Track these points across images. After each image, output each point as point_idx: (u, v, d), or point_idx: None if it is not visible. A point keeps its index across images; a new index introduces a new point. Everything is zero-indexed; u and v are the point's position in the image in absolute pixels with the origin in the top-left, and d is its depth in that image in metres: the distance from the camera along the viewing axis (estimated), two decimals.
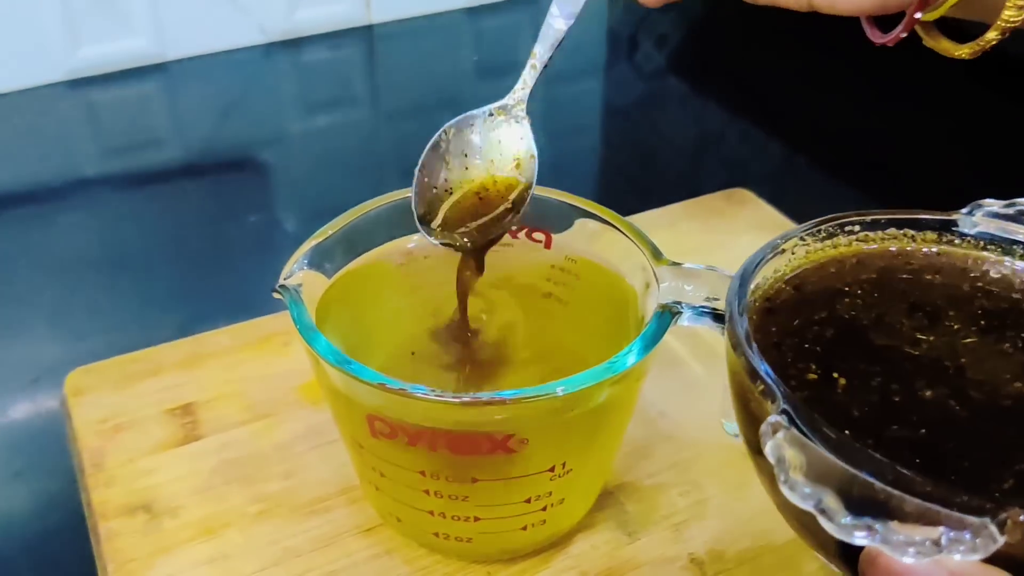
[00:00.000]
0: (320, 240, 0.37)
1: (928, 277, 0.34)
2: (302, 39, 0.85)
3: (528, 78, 0.38)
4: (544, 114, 0.81)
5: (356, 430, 0.35)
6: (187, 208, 0.66)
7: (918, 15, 0.39)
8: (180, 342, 0.48)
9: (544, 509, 0.35)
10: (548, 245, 0.41)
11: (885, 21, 0.43)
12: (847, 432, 0.27)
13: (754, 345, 0.28)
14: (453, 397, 0.31)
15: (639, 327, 0.36)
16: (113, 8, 0.76)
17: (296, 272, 0.36)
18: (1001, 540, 0.22)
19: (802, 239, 0.34)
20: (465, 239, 0.37)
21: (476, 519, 0.35)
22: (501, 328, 0.38)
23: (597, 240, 0.40)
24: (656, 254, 0.37)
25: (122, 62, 0.78)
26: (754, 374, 0.27)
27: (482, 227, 0.37)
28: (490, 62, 0.86)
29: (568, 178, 0.73)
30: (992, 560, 0.22)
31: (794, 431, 0.25)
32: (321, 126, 0.77)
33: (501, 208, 0.37)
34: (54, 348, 0.53)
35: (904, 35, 0.41)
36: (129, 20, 0.77)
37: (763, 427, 0.25)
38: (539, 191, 0.40)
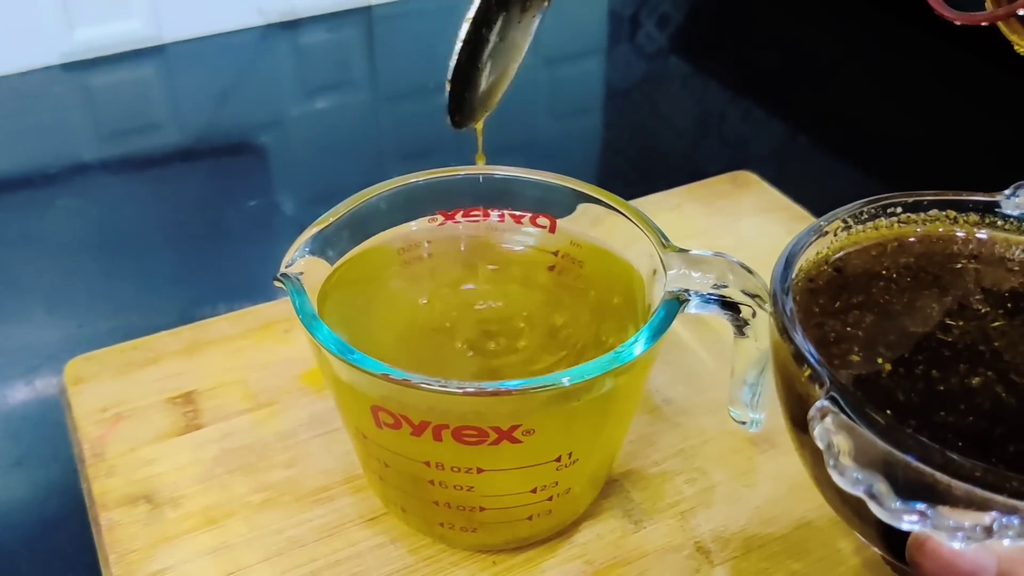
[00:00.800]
0: (321, 227, 0.37)
1: (965, 262, 0.33)
2: (300, 21, 0.84)
3: None
4: (545, 95, 0.80)
5: (360, 420, 0.34)
6: (185, 192, 0.66)
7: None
8: (180, 329, 0.48)
9: (550, 499, 0.35)
10: (552, 230, 0.40)
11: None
12: (893, 417, 0.27)
13: (799, 328, 0.28)
14: (457, 387, 0.30)
15: (646, 314, 0.36)
16: None
17: (297, 260, 0.35)
18: None
19: (845, 221, 0.34)
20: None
21: (481, 509, 0.35)
22: (506, 315, 0.38)
23: (602, 225, 0.39)
24: (663, 240, 0.36)
25: (118, 45, 0.78)
26: (800, 358, 0.27)
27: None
28: None
29: (570, 159, 0.73)
30: None
31: (842, 416, 0.25)
32: (320, 109, 0.76)
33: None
34: (53, 335, 0.53)
35: (985, 24, 0.38)
36: (125, 2, 0.76)
37: (811, 412, 0.25)
38: (542, 175, 0.40)
